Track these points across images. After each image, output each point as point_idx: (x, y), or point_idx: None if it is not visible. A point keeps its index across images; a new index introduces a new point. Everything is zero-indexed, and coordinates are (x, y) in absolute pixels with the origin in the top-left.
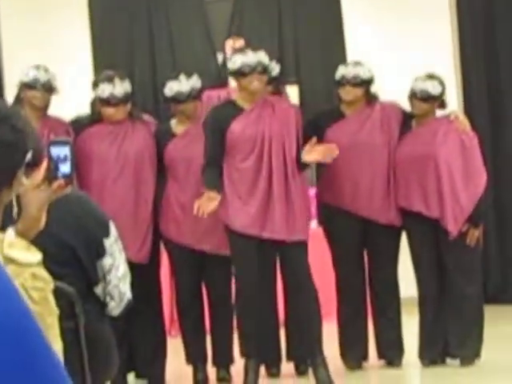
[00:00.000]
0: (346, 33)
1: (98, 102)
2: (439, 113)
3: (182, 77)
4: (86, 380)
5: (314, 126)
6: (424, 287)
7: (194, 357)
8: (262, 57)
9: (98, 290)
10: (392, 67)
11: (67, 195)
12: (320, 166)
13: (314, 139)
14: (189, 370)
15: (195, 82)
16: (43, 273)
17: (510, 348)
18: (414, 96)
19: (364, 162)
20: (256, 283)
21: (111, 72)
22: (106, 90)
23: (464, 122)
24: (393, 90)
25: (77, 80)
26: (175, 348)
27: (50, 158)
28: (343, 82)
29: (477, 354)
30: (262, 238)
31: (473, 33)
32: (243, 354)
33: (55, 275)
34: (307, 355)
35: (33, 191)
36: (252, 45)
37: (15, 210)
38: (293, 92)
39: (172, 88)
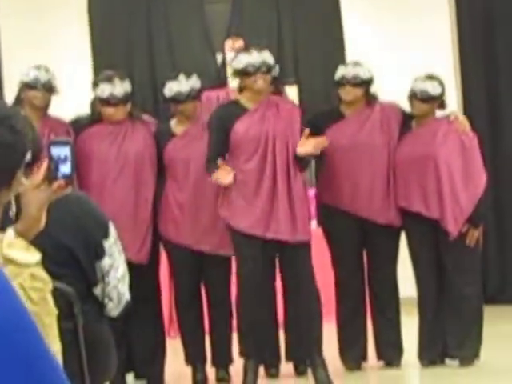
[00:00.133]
0: (345, 33)
1: (98, 102)
2: (439, 113)
3: (182, 77)
4: (84, 381)
5: (314, 126)
6: (423, 287)
7: (193, 357)
8: (266, 56)
9: (97, 290)
10: (391, 68)
11: (67, 196)
12: (319, 166)
13: (307, 131)
14: (188, 370)
15: (194, 82)
16: (42, 273)
17: (509, 348)
18: (413, 96)
19: (364, 162)
20: (259, 283)
21: (111, 72)
22: (105, 89)
23: (464, 123)
24: (392, 91)
25: (76, 80)
26: (174, 348)
27: (51, 158)
28: (343, 82)
29: (476, 354)
30: (266, 238)
31: (472, 33)
32: (242, 354)
33: (54, 276)
34: (306, 356)
35: (33, 191)
36: (256, 45)
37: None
38: (292, 92)
39: (171, 88)
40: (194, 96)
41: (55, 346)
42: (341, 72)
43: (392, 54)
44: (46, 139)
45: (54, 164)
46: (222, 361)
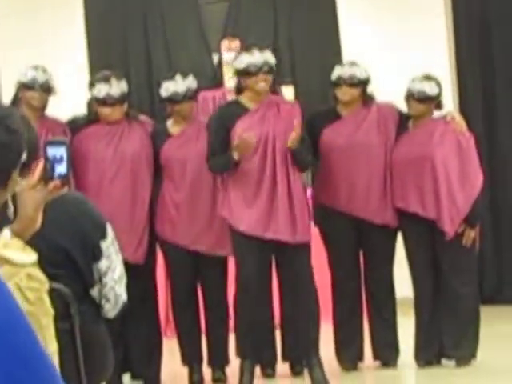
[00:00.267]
0: (341, 33)
1: (95, 102)
2: (436, 114)
3: (178, 77)
4: (81, 381)
5: (311, 126)
6: (420, 288)
7: (190, 357)
8: (268, 56)
9: (94, 292)
10: (387, 68)
11: (63, 196)
12: (315, 166)
13: (297, 123)
14: (184, 370)
15: (191, 82)
16: (38, 273)
17: (505, 348)
18: (410, 97)
19: (360, 162)
20: (258, 284)
21: (108, 72)
22: (102, 89)
23: (460, 123)
24: (389, 91)
25: (72, 80)
26: (171, 349)
27: (46, 158)
28: (340, 83)
29: (473, 354)
30: (266, 238)
31: (469, 34)
32: (239, 354)
33: (50, 277)
34: (303, 356)
35: (28, 191)
36: (258, 44)
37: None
38: (288, 92)
39: (168, 88)
40: (191, 96)
41: (52, 347)
42: (337, 72)
43: (388, 54)
44: (44, 139)
45: (50, 164)
46: (219, 361)
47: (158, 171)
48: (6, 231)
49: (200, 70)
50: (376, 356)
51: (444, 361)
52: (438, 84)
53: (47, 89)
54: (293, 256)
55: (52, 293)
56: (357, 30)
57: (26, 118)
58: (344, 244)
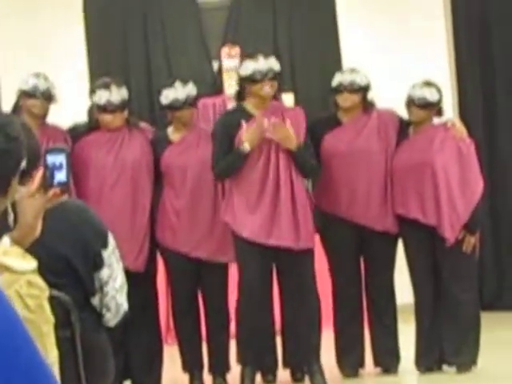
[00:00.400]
0: (341, 40)
1: (96, 109)
2: (436, 120)
3: (178, 84)
4: None
5: (311, 132)
6: (420, 294)
7: (191, 364)
8: (272, 63)
9: (95, 301)
10: (387, 74)
11: (64, 204)
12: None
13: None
14: (185, 377)
15: (191, 89)
16: (38, 280)
17: (506, 355)
18: (411, 103)
19: (361, 169)
20: (260, 290)
21: (108, 79)
22: (102, 96)
23: (461, 130)
24: (388, 98)
25: (72, 87)
26: (171, 356)
27: (46, 165)
28: (340, 89)
29: (473, 360)
30: (269, 244)
31: (468, 39)
32: (240, 360)
33: (50, 285)
34: (304, 362)
35: (28, 199)
36: (262, 51)
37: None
38: (288, 99)
39: (168, 96)
40: (191, 103)
41: (52, 354)
42: (338, 79)
43: (388, 60)
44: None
45: (50, 172)
46: (220, 368)
47: (158, 178)
48: (6, 239)
49: (200, 77)
50: (377, 362)
51: (445, 367)
52: (439, 90)
53: (48, 97)
54: (296, 262)
55: (52, 300)
56: (357, 37)
57: (28, 125)
58: (345, 250)
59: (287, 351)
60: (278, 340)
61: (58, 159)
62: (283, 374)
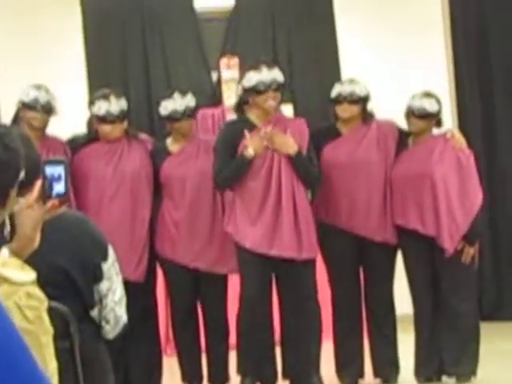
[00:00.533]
0: (340, 51)
1: (95, 120)
2: (435, 131)
3: (177, 95)
4: None
5: (311, 143)
6: (419, 305)
7: (190, 376)
8: (276, 74)
9: (94, 313)
10: (387, 86)
11: (64, 215)
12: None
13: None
14: None
15: (190, 100)
16: (37, 292)
17: (506, 365)
18: (411, 113)
19: (360, 180)
20: (262, 301)
21: (107, 90)
22: (102, 107)
23: (460, 140)
24: (387, 108)
25: (72, 99)
26: (171, 367)
27: (45, 177)
28: (340, 100)
29: (473, 371)
30: (271, 255)
31: (467, 50)
32: (240, 371)
33: (50, 297)
34: (303, 373)
35: (27, 210)
36: (266, 61)
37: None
38: (287, 111)
39: (167, 107)
40: (190, 114)
41: (52, 365)
42: (337, 89)
43: (387, 71)
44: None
45: (48, 183)
46: (219, 379)
47: (158, 189)
48: (4, 250)
49: (199, 88)
50: (376, 373)
51: (444, 378)
52: (438, 101)
53: (49, 110)
54: (297, 273)
55: (51, 311)
56: (356, 48)
57: (27, 136)
58: (344, 261)
59: (287, 362)
60: (278, 351)
61: (57, 170)
62: None
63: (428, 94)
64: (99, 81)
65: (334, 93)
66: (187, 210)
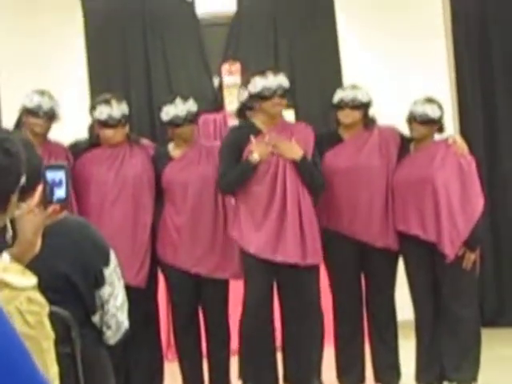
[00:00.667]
0: (342, 57)
1: (97, 125)
2: (437, 137)
3: (178, 100)
4: None
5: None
6: (420, 310)
7: (191, 381)
8: (282, 80)
9: (95, 318)
10: (388, 91)
11: (65, 220)
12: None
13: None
14: None
15: (191, 105)
16: (38, 297)
17: (507, 371)
18: (413, 119)
19: (362, 185)
20: (265, 306)
21: (108, 94)
22: (103, 111)
23: (462, 146)
24: (389, 114)
25: (73, 104)
26: (172, 372)
27: (45, 182)
28: (341, 105)
29: (474, 377)
30: (275, 261)
31: (469, 56)
32: (241, 377)
33: (51, 302)
34: (304, 379)
35: (27, 215)
36: (272, 67)
37: (10, 233)
38: (289, 116)
39: (168, 112)
40: (191, 119)
41: (53, 370)
42: (339, 95)
43: (389, 77)
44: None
45: (49, 188)
46: None
47: (159, 194)
48: (5, 255)
49: (201, 93)
50: (377, 379)
51: (445, 383)
52: (440, 107)
53: (51, 116)
54: (301, 278)
55: (53, 316)
56: (357, 54)
57: (29, 141)
58: (346, 267)
59: (288, 368)
60: (279, 356)
61: (58, 175)
62: None
63: (430, 100)
64: (101, 86)
65: (335, 98)
66: (189, 215)
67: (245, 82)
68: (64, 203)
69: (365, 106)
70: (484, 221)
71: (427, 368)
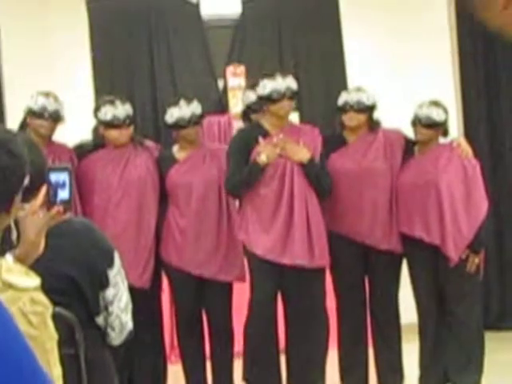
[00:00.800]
0: (346, 59)
1: (102, 126)
2: (441, 140)
3: (183, 102)
4: None
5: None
6: (424, 314)
7: (194, 383)
8: (290, 82)
9: (99, 320)
10: (393, 94)
11: (69, 222)
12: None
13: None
14: None
15: (196, 107)
16: (42, 297)
17: (510, 375)
18: (417, 122)
19: (366, 188)
20: (271, 309)
21: (111, 96)
22: (108, 112)
23: (466, 149)
24: (393, 117)
25: (78, 106)
26: (175, 374)
27: (49, 183)
28: (346, 108)
29: (477, 381)
30: (282, 263)
31: (474, 59)
32: (245, 379)
33: (54, 304)
34: (308, 381)
35: (31, 217)
36: (281, 70)
37: (14, 234)
38: (293, 118)
39: (173, 114)
40: (196, 121)
41: (56, 371)
42: (344, 98)
43: (393, 80)
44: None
45: (53, 189)
46: None
47: (164, 196)
48: (9, 256)
49: (205, 95)
50: (381, 382)
51: None
52: (445, 110)
53: (56, 118)
54: (307, 281)
55: (56, 318)
56: (362, 56)
57: (34, 142)
58: (349, 269)
59: (291, 370)
60: (282, 358)
61: (61, 177)
62: None
63: (435, 103)
64: (105, 88)
65: (340, 101)
66: (193, 217)
67: (251, 85)
68: (67, 205)
69: (369, 109)
70: (488, 224)
71: (430, 371)
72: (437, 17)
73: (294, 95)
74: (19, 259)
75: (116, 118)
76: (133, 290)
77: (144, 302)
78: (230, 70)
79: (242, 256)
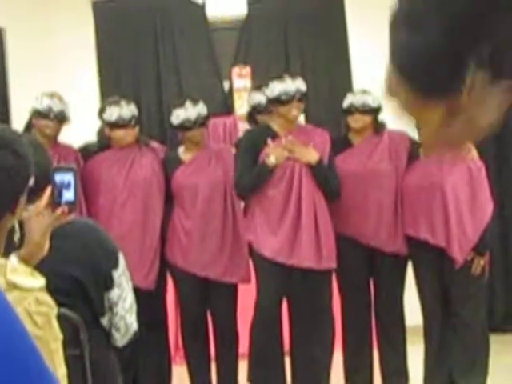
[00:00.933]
0: (352, 62)
1: (107, 127)
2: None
3: (188, 104)
4: None
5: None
6: (429, 316)
7: None
8: (299, 84)
9: (104, 321)
10: None
11: (74, 223)
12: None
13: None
14: None
15: (201, 108)
16: (47, 297)
17: None
18: (354, 110)
19: (372, 190)
20: (277, 310)
21: (116, 97)
22: (114, 112)
23: (471, 151)
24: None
25: (83, 107)
26: (180, 375)
27: (54, 184)
28: (352, 110)
29: (482, 383)
30: (289, 265)
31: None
32: (250, 380)
33: (59, 305)
34: (313, 383)
35: (36, 217)
36: (290, 72)
37: (17, 235)
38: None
39: (179, 116)
40: (201, 123)
41: (61, 371)
42: (349, 100)
43: None
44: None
45: (58, 190)
46: None
47: (169, 197)
48: (14, 257)
49: (211, 97)
50: (385, 383)
51: None
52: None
53: (61, 118)
54: (314, 283)
55: (61, 318)
56: (367, 58)
57: (39, 143)
58: (355, 272)
59: (296, 372)
60: (287, 360)
61: (66, 178)
62: None
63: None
64: (111, 89)
65: (346, 103)
66: (198, 219)
67: (256, 86)
68: (72, 205)
69: (375, 111)
70: (493, 226)
71: (435, 373)
72: None
73: (303, 97)
74: (24, 260)
75: (121, 117)
76: (138, 291)
77: (149, 303)
78: (235, 71)
79: (247, 257)
